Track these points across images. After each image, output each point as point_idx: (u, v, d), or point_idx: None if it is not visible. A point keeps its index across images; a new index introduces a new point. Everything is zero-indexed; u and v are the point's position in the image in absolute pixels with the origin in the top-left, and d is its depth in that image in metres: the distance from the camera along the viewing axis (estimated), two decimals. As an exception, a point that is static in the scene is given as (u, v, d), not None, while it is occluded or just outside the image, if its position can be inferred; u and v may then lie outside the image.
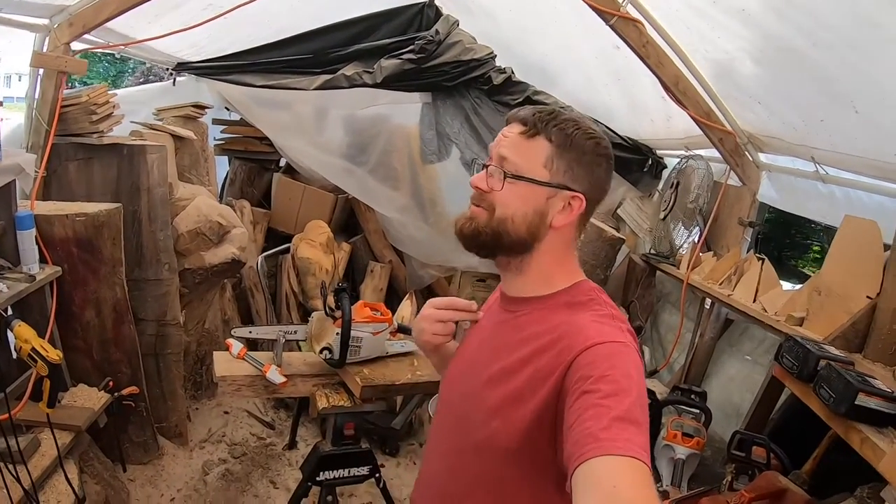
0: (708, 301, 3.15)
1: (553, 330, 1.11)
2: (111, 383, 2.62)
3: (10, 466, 1.99)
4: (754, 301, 2.68)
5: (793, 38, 2.15)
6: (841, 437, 1.75)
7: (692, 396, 2.63)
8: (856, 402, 1.67)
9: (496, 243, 1.17)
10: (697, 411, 2.56)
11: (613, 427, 0.89)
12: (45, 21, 2.30)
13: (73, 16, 2.32)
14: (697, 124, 2.99)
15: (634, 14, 2.73)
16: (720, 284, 2.94)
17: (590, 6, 2.68)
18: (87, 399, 2.54)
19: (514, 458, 1.10)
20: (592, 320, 1.10)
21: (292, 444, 3.54)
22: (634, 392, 0.96)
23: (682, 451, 2.37)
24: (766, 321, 2.52)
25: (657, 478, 2.37)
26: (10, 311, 2.15)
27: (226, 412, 3.66)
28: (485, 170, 1.18)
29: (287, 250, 4.14)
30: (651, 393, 2.57)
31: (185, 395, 3.44)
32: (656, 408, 2.55)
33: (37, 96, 2.37)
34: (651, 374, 3.36)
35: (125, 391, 2.68)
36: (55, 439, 2.17)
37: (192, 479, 3.09)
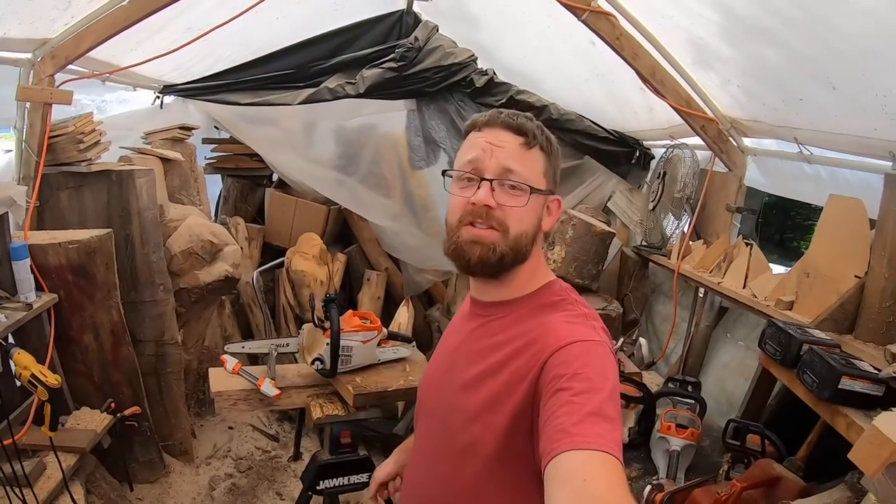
0: (701, 290, 3.16)
1: (527, 333, 1.12)
2: (113, 404, 2.65)
3: (17, 490, 2.03)
4: (744, 287, 2.69)
5: (762, 18, 2.13)
6: (829, 422, 1.75)
7: (686, 387, 2.64)
8: (839, 387, 1.68)
9: (512, 263, 1.15)
10: (692, 402, 2.56)
11: (586, 422, 0.90)
12: (28, 55, 2.35)
13: (55, 48, 2.37)
14: (678, 113, 2.98)
15: (606, 7, 2.73)
16: (710, 272, 2.96)
17: (560, 3, 2.67)
18: (89, 421, 2.57)
19: (496, 462, 1.11)
20: (565, 320, 1.11)
21: (297, 456, 3.58)
22: (607, 389, 0.97)
23: (676, 443, 2.35)
24: (756, 307, 2.54)
25: (653, 471, 2.38)
26: (10, 340, 2.22)
27: (230, 427, 3.70)
28: (487, 185, 1.11)
29: (282, 264, 4.18)
30: (644, 386, 2.59)
31: (189, 413, 3.48)
32: (650, 400, 2.56)
33: (25, 128, 2.41)
34: (648, 366, 3.38)
35: (127, 412, 2.71)
36: (59, 462, 2.22)
37: (199, 496, 3.14)
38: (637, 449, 2.48)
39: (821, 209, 2.41)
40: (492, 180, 1.11)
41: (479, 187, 1.12)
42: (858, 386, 1.68)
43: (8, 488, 2.01)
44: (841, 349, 1.94)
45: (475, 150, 1.15)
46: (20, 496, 2.03)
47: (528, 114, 1.19)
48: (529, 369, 1.06)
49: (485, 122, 1.17)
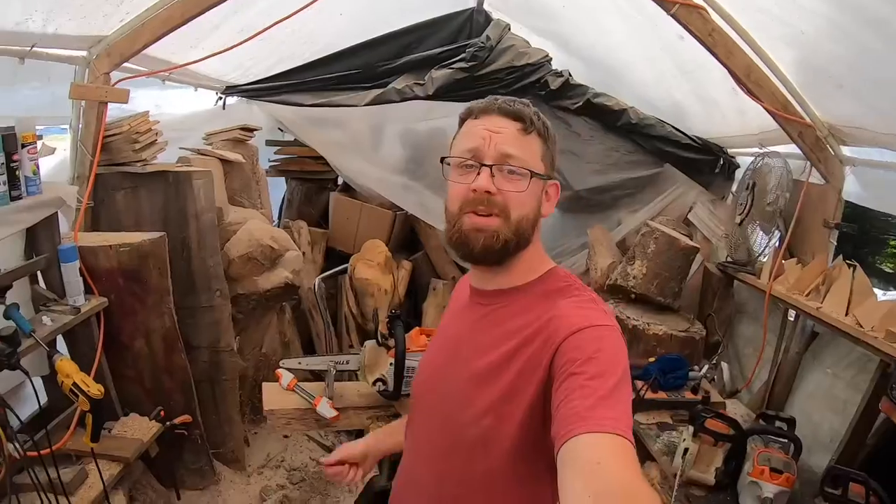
0: (792, 313, 2.86)
1: (536, 320, 1.10)
2: (162, 412, 2.59)
3: (54, 498, 1.96)
4: (847, 314, 2.38)
5: (879, 7, 1.83)
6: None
7: (778, 423, 2.35)
8: None
9: (515, 249, 1.14)
10: (786, 441, 2.27)
11: (599, 406, 0.90)
12: (84, 53, 2.31)
13: (110, 46, 2.32)
14: (774, 118, 2.70)
15: (697, 0, 2.50)
16: (807, 295, 2.64)
17: (647, -8, 2.47)
18: (137, 429, 2.51)
19: (509, 453, 1.09)
20: (575, 306, 1.10)
21: (352, 470, 3.44)
22: (620, 372, 0.97)
23: (770, 489, 2.09)
24: (862, 338, 2.23)
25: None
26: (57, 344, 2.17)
27: (285, 436, 3.61)
28: (487, 171, 1.11)
29: (345, 271, 4.07)
30: (736, 423, 2.32)
31: (244, 420, 3.42)
32: (742, 438, 2.28)
33: (80, 127, 2.37)
34: (731, 394, 3.06)
35: (177, 420, 2.65)
36: (100, 472, 2.14)
37: (248, 507, 3.05)
38: (724, 491, 2.22)
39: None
40: (491, 166, 1.11)
41: (478, 174, 1.11)
42: None
43: (47, 496, 1.94)
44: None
45: (474, 138, 1.14)
46: (57, 505, 1.95)
47: (524, 100, 1.19)
48: (543, 356, 1.05)
49: (482, 108, 1.16)
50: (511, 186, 1.11)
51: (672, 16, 2.51)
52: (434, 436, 1.24)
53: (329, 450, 3.60)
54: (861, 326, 2.26)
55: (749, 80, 2.63)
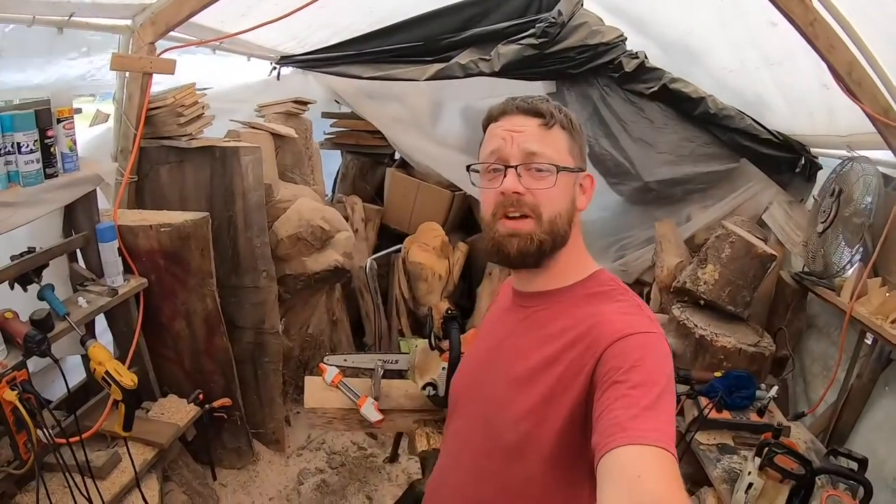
0: (869, 336, 2.59)
1: (579, 324, 1.08)
2: (201, 395, 2.55)
3: (84, 482, 1.91)
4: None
5: None
6: None
7: (847, 461, 2.11)
8: None
9: (552, 249, 1.12)
10: (855, 484, 2.06)
11: (641, 417, 0.88)
12: (128, 22, 2.20)
13: (154, 14, 2.20)
14: (872, 121, 2.42)
15: (798, -16, 2.22)
16: (892, 322, 2.38)
17: (745, -26, 2.17)
18: (175, 411, 2.47)
19: (549, 460, 1.07)
20: (620, 311, 1.07)
21: (394, 458, 3.36)
22: (664, 382, 0.94)
23: (835, 534, 1.90)
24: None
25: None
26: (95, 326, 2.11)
27: (328, 418, 3.55)
28: (513, 171, 1.09)
29: (399, 251, 3.94)
30: (809, 462, 2.07)
31: (287, 400, 3.38)
32: (811, 477, 2.05)
33: (124, 99, 2.28)
34: (797, 416, 2.79)
35: (216, 403, 2.61)
36: (132, 460, 2.09)
37: (285, 488, 3.01)
38: (786, 536, 2.01)
39: None
40: (517, 166, 1.09)
41: (505, 175, 1.09)
42: None
43: (76, 479, 1.90)
44: None
45: (496, 140, 1.12)
46: (84, 491, 1.90)
47: (542, 95, 1.21)
48: (585, 362, 1.02)
49: (500, 111, 1.15)
50: (539, 184, 1.09)
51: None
52: (472, 438, 1.22)
53: (371, 435, 3.52)
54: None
55: (850, 78, 2.36)
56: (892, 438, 2.43)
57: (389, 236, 4.24)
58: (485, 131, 1.19)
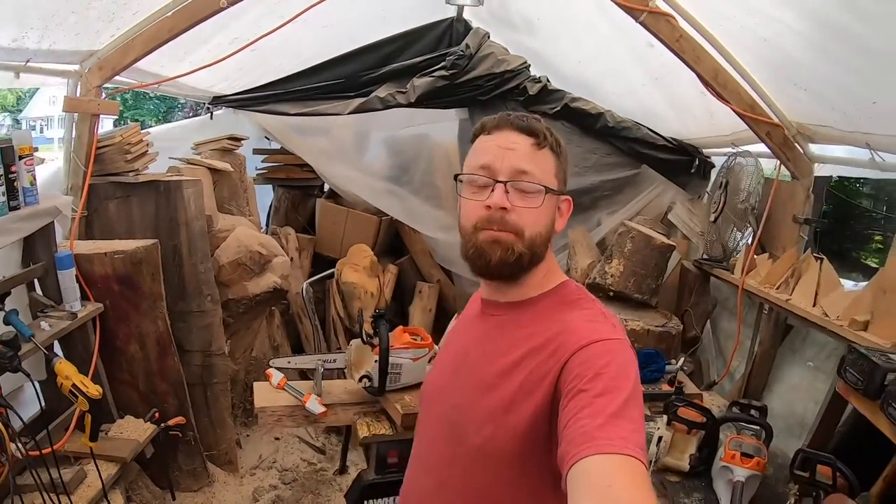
0: (766, 306, 2.96)
1: (545, 331, 1.09)
2: (157, 414, 2.65)
3: (56, 498, 2.03)
4: (814, 305, 2.48)
5: (835, 13, 1.96)
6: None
7: (751, 411, 2.46)
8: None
9: (529, 264, 1.13)
10: (757, 428, 2.36)
11: (608, 425, 0.88)
12: (76, 67, 2.39)
13: (101, 59, 2.40)
14: (742, 118, 2.81)
15: (664, 7, 2.60)
16: (777, 288, 2.75)
17: (617, 4, 2.57)
18: (133, 430, 2.58)
19: (510, 465, 1.08)
20: (585, 319, 1.09)
21: (343, 469, 3.52)
22: (629, 388, 0.95)
23: (741, 473, 2.18)
24: (827, 327, 2.34)
25: (714, 501, 2.21)
26: (55, 348, 2.24)
27: (276, 438, 3.68)
28: (501, 187, 1.09)
29: (332, 275, 4.15)
30: (708, 411, 2.41)
31: (236, 423, 3.48)
32: (714, 426, 2.38)
33: (73, 139, 2.45)
34: (710, 385, 3.17)
35: (171, 421, 2.71)
36: (99, 472, 2.21)
37: (243, 507, 3.11)
38: (698, 477, 2.31)
39: (885, 217, 2.18)
40: (506, 182, 1.09)
41: (493, 190, 1.09)
42: (952, 422, 1.49)
43: (48, 495, 2.01)
44: (931, 379, 1.73)
45: (487, 154, 1.12)
46: (58, 504, 2.02)
47: (535, 115, 1.18)
48: (550, 368, 1.04)
49: (494, 124, 1.14)
50: (525, 203, 1.09)
51: (641, 23, 2.60)
52: (438, 444, 1.22)
53: (319, 450, 3.68)
54: (827, 316, 2.35)
55: (716, 82, 2.72)
56: (807, 396, 2.71)
57: (323, 263, 4.40)
58: (473, 142, 1.19)
